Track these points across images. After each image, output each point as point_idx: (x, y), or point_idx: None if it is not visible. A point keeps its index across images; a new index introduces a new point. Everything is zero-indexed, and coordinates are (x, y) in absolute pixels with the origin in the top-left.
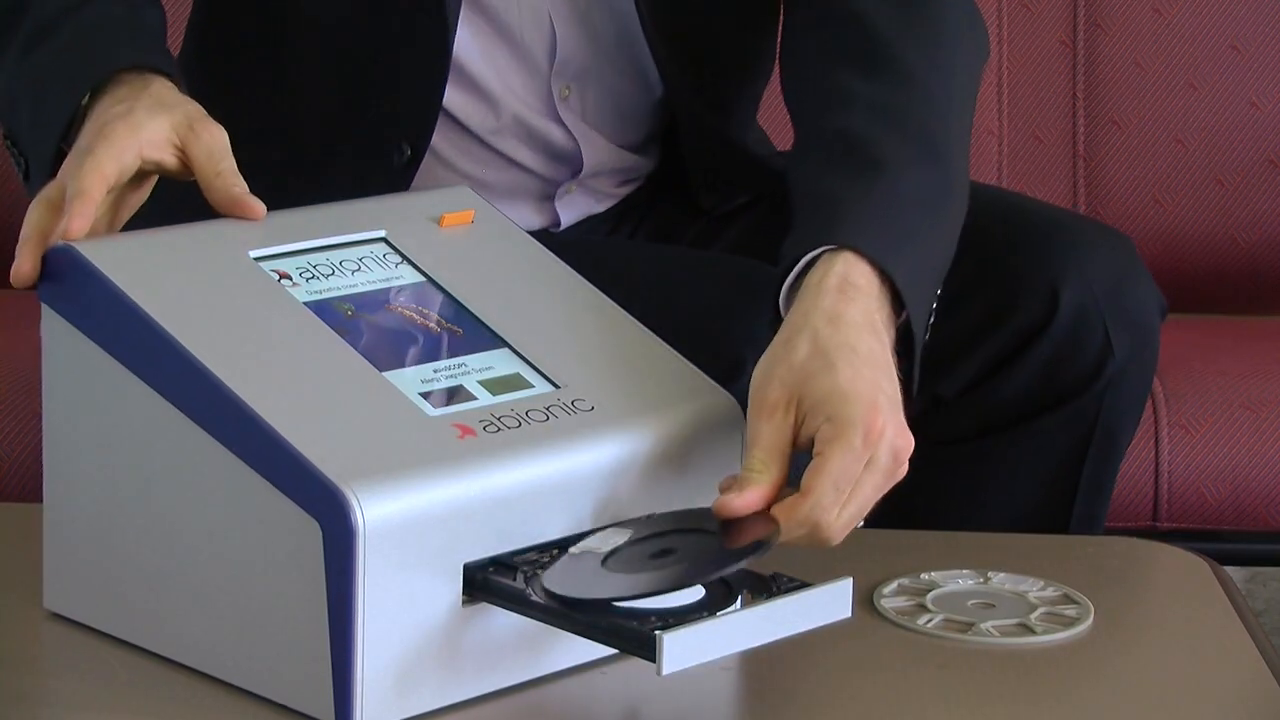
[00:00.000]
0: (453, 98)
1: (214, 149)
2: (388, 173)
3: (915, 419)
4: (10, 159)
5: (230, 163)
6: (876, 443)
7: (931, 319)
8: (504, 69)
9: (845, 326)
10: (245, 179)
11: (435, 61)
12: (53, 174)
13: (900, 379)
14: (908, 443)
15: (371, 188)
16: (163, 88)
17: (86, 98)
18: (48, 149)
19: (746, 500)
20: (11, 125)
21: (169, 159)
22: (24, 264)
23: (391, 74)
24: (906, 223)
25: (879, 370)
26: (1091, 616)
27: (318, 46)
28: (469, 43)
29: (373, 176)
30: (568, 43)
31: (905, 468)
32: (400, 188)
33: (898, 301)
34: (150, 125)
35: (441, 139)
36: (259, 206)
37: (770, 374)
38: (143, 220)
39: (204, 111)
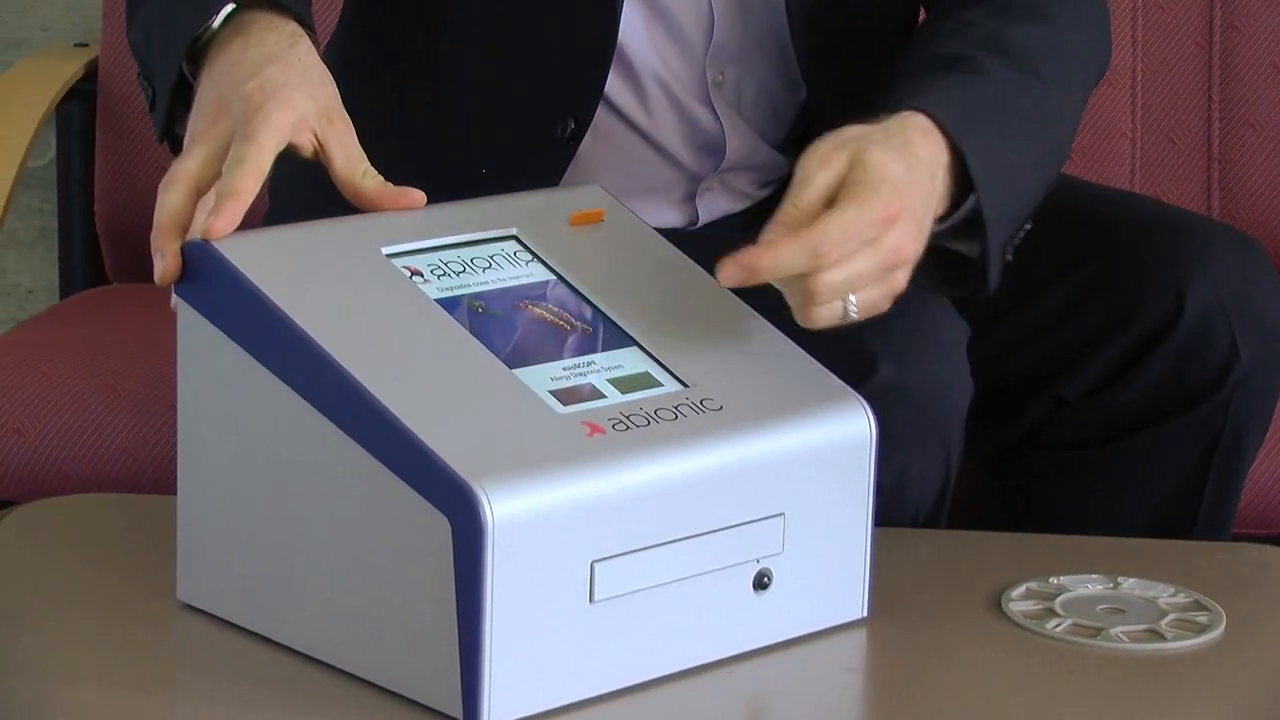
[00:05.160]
0: (610, 80)
1: (351, 151)
2: (551, 146)
3: (1039, 423)
4: (148, 132)
5: (368, 162)
6: (884, 227)
7: (1016, 242)
8: (662, 50)
9: (912, 152)
10: (404, 158)
11: (600, 41)
12: (175, 98)
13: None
14: (912, 253)
15: (534, 162)
16: (310, 55)
17: (218, 21)
18: (171, 71)
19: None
20: (145, 58)
21: (306, 145)
22: (169, 264)
23: (556, 52)
24: (990, 119)
25: (918, 189)
26: (1223, 624)
27: (481, 24)
28: (630, 23)
29: (536, 151)
30: (724, 26)
31: (902, 279)
32: (563, 162)
33: (964, 186)
34: (304, 107)
35: (598, 123)
36: (416, 192)
37: (839, 136)
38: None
39: (338, 97)
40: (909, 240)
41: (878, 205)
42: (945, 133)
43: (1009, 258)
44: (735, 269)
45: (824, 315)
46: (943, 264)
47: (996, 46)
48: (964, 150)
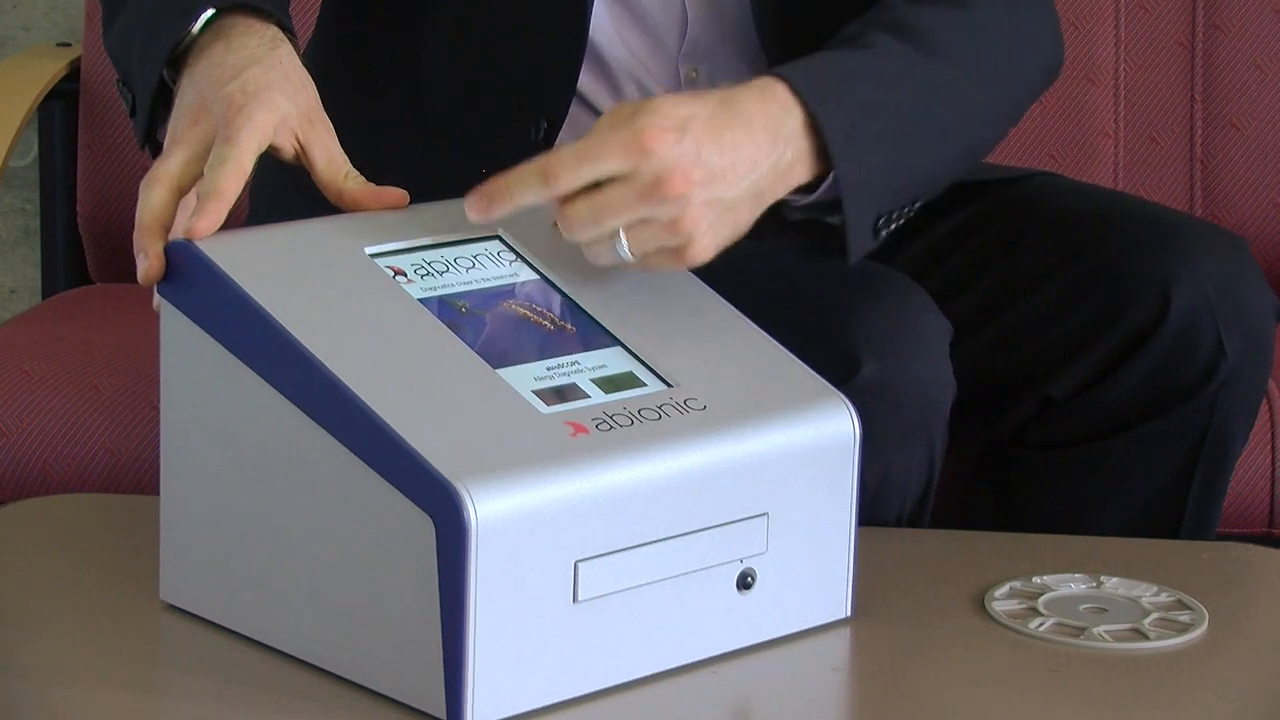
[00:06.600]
0: (584, 79)
1: (332, 153)
2: (525, 147)
3: (1026, 422)
4: (130, 132)
5: (350, 164)
6: (637, 157)
7: (892, 224)
8: (635, 47)
9: (729, 106)
10: (385, 160)
11: (572, 40)
12: (156, 103)
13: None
14: (685, 191)
15: (511, 162)
16: (290, 59)
17: (198, 26)
18: (152, 77)
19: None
20: (125, 64)
21: (287, 147)
22: (152, 265)
23: (528, 52)
24: (863, 89)
25: (721, 137)
26: (1205, 623)
27: (455, 25)
28: (601, 22)
29: (510, 151)
30: (697, 23)
31: (688, 223)
32: None
33: (823, 163)
34: (285, 109)
35: (572, 122)
36: (399, 192)
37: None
38: (261, 210)
39: (318, 99)
40: (679, 179)
41: (622, 134)
42: (801, 99)
43: (883, 235)
44: (475, 198)
45: (594, 253)
46: (810, 230)
47: (897, 26)
48: (819, 117)
